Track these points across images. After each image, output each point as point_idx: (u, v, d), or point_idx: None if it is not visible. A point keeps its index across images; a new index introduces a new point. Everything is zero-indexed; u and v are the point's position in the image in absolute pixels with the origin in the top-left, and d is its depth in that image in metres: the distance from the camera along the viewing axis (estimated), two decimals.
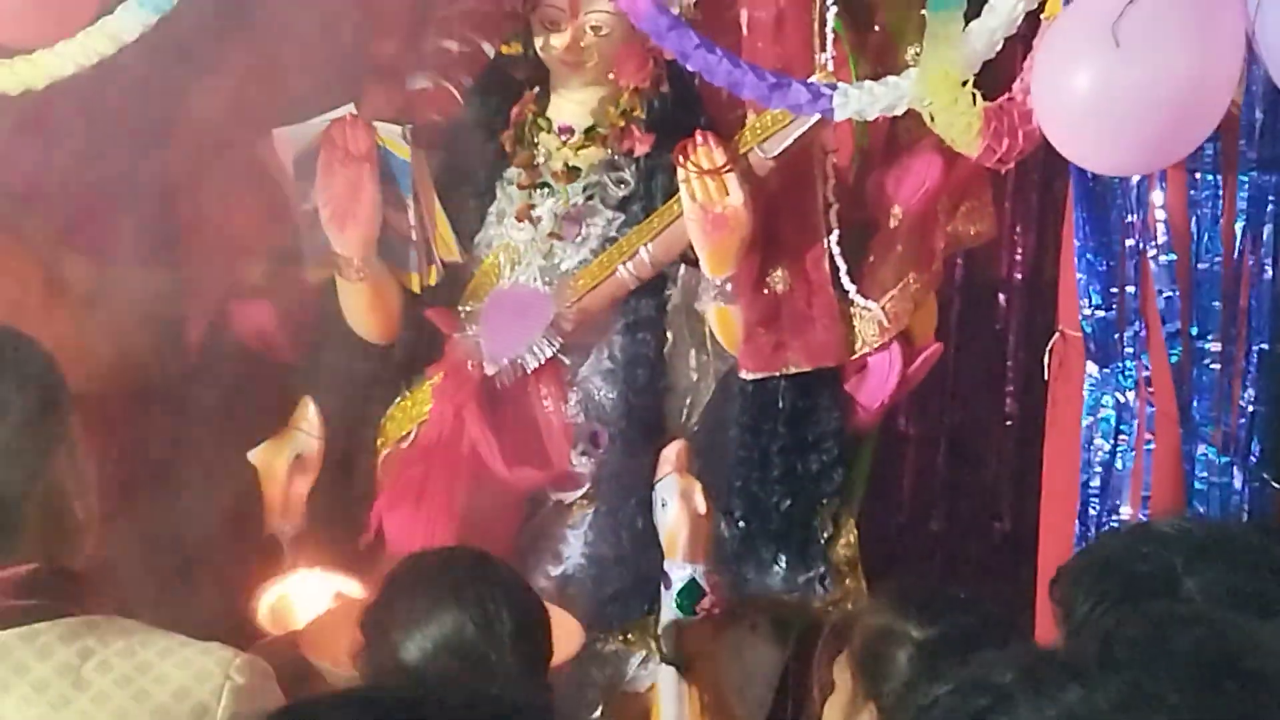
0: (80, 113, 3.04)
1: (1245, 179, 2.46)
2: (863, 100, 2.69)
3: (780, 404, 3.17)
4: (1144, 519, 2.45)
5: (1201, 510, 2.46)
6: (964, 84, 2.61)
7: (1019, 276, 3.47)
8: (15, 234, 3.18)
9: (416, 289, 3.25)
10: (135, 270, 3.38)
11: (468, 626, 2.45)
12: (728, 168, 3.02)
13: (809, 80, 2.79)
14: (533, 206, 3.25)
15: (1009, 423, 3.42)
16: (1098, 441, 2.52)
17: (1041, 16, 2.63)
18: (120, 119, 3.20)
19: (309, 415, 3.26)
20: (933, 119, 2.66)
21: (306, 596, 3.13)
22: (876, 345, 3.15)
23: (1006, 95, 2.65)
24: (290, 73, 3.32)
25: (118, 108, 3.13)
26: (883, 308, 3.14)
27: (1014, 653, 1.01)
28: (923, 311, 3.21)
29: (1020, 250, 3.44)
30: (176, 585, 3.10)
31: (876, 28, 3.14)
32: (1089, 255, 2.52)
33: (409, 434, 3.27)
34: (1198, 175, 2.48)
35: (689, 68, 2.85)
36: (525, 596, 2.58)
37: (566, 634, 2.79)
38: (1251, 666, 0.93)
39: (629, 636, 3.17)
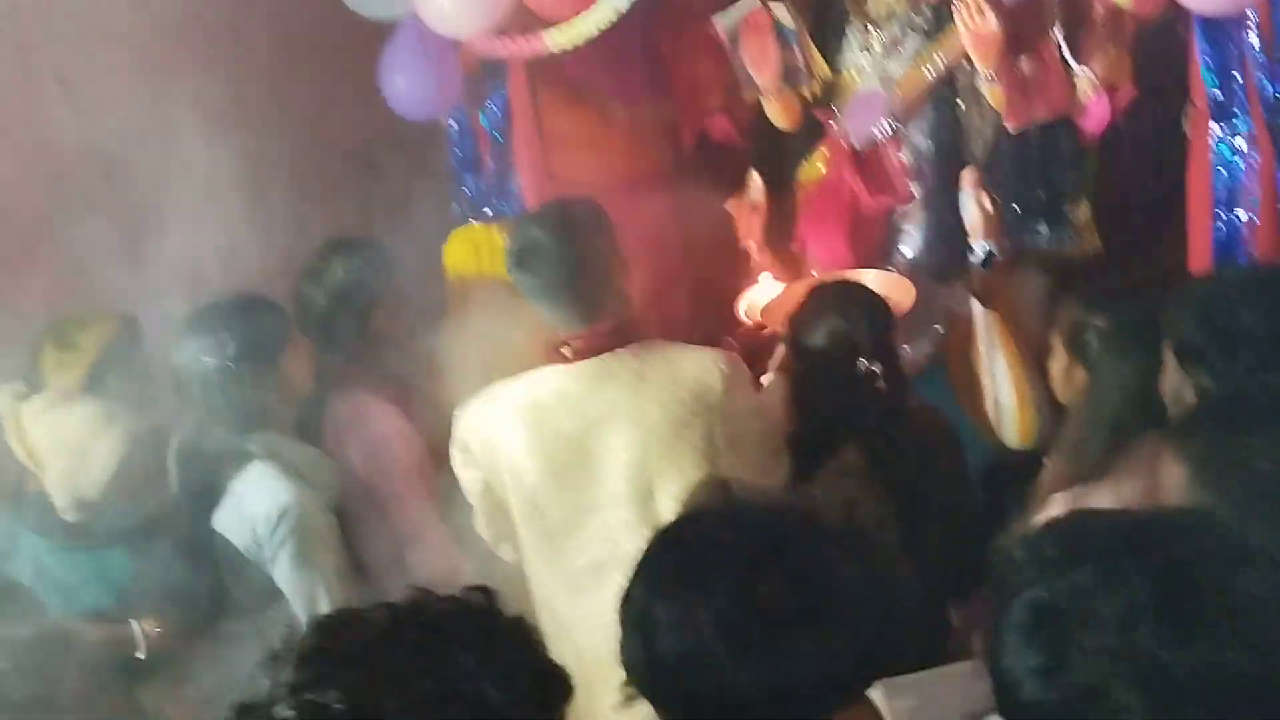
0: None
1: None
2: None
3: (1033, 140, 3.12)
4: (1252, 216, 2.38)
5: None
6: None
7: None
8: (579, 94, 3.44)
9: (807, 97, 3.31)
10: (647, 106, 3.57)
11: (857, 324, 2.60)
12: (985, 3, 2.95)
13: None
14: (870, 40, 3.25)
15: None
16: (1219, 168, 2.45)
17: None
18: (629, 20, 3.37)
19: (755, 180, 3.41)
20: None
21: (764, 292, 3.29)
22: (1093, 95, 3.05)
23: None
24: None
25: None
26: (1094, 71, 3.03)
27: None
28: (1120, 70, 3.06)
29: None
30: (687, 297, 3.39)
31: None
32: (1207, 57, 2.42)
33: (814, 183, 3.36)
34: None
35: None
36: (874, 300, 2.64)
37: (906, 291, 2.88)
38: None
39: (952, 284, 3.19)
